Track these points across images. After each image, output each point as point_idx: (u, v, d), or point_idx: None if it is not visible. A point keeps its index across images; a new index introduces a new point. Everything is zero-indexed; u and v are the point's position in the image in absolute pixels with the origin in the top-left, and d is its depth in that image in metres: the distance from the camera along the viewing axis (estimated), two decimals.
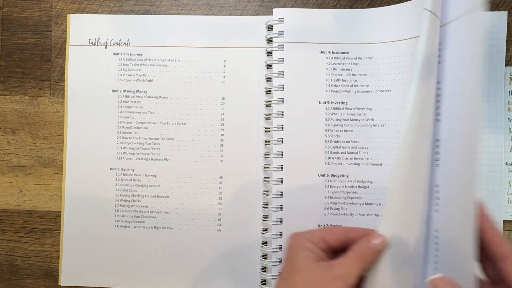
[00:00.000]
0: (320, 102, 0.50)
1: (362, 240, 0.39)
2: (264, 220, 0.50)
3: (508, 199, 0.50)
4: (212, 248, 0.51)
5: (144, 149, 0.52)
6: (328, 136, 0.50)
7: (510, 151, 0.50)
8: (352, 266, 0.38)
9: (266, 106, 0.51)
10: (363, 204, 0.50)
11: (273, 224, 0.50)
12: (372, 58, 0.50)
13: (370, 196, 0.50)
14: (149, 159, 0.52)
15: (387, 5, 0.51)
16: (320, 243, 0.41)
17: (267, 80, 0.51)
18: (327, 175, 0.50)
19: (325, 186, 0.50)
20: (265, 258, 0.50)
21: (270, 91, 0.51)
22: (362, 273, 0.39)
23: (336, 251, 0.41)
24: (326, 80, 0.51)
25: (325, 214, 0.50)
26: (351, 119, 0.50)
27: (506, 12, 0.50)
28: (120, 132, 0.52)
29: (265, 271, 0.50)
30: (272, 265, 0.49)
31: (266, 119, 0.51)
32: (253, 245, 0.51)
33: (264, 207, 0.50)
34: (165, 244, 0.52)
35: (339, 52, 0.51)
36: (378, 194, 0.50)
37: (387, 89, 0.50)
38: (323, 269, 0.38)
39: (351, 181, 0.50)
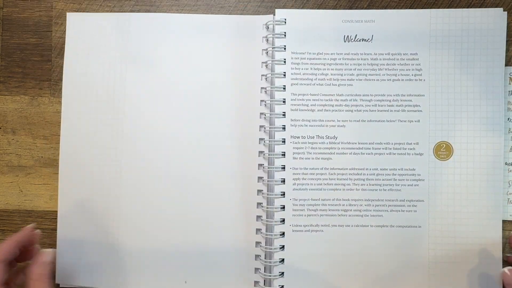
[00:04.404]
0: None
1: (33, 266, 0.45)
2: (260, 221, 0.51)
3: (508, 199, 0.50)
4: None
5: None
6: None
7: (510, 151, 0.50)
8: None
9: (265, 105, 0.51)
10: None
11: (274, 224, 0.50)
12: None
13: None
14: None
15: (386, 6, 0.52)
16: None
17: (266, 80, 0.51)
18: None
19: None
20: (260, 258, 0.50)
21: (267, 91, 0.51)
22: None
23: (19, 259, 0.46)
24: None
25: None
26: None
27: (506, 12, 0.50)
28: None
29: (260, 271, 0.50)
30: (274, 265, 0.50)
31: (265, 118, 0.51)
32: (251, 244, 0.51)
33: (262, 207, 0.51)
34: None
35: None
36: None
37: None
38: None
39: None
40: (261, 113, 0.51)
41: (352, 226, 0.50)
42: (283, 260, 0.50)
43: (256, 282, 0.50)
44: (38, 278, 0.45)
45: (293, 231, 0.50)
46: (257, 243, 0.51)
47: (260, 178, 0.51)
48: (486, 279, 0.49)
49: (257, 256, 0.50)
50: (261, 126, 0.51)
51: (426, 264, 0.50)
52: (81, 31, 0.53)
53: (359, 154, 0.50)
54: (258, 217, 0.51)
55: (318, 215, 0.50)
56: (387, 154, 0.50)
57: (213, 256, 0.51)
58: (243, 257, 0.51)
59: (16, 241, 0.45)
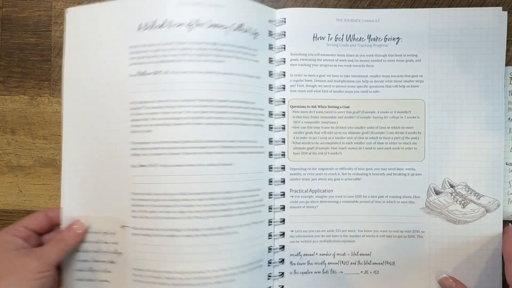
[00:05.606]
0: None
1: (65, 227, 0.47)
2: (270, 224, 0.50)
3: (508, 199, 0.50)
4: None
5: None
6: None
7: (510, 151, 0.50)
8: (52, 248, 0.45)
9: (271, 103, 0.51)
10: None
11: (275, 224, 0.50)
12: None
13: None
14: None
15: (386, 5, 0.52)
16: (20, 232, 0.46)
17: (271, 76, 0.51)
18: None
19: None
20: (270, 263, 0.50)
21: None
22: (64, 253, 0.46)
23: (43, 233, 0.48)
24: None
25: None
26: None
27: (506, 12, 0.50)
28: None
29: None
30: (275, 265, 0.50)
31: (270, 116, 0.51)
32: (264, 253, 0.50)
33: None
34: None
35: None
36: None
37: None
38: (22, 254, 0.44)
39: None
40: (269, 111, 0.51)
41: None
42: (283, 260, 0.50)
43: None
44: (60, 241, 0.46)
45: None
46: (269, 247, 0.50)
47: (270, 180, 0.51)
48: (486, 278, 0.49)
49: (272, 263, 0.50)
50: (270, 125, 0.51)
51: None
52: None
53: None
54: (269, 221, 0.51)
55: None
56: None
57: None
58: (259, 267, 0.50)
59: (46, 215, 0.48)
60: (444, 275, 0.49)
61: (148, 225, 0.46)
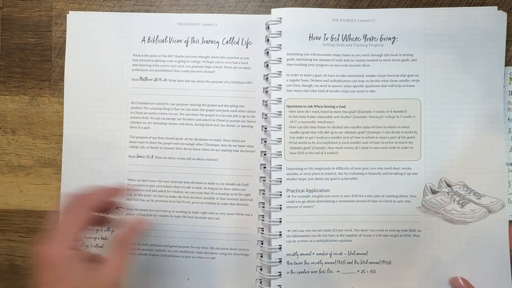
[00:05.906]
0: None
1: (129, 229, 0.44)
2: (262, 220, 0.51)
3: (508, 199, 0.50)
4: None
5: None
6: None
7: (510, 151, 0.50)
8: (118, 254, 0.41)
9: (266, 105, 0.51)
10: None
11: (273, 224, 0.50)
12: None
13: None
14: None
15: (386, 5, 0.51)
16: (78, 238, 0.40)
17: (266, 79, 0.51)
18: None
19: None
20: (262, 257, 0.50)
21: (268, 91, 0.51)
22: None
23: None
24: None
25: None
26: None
27: (505, 12, 0.50)
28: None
29: (262, 270, 0.50)
30: (273, 265, 0.50)
31: (265, 118, 0.51)
32: (251, 244, 0.51)
33: (262, 207, 0.51)
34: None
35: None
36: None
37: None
38: (92, 269, 0.39)
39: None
40: (263, 113, 0.51)
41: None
42: (280, 260, 0.50)
43: (257, 280, 0.51)
44: (123, 242, 0.42)
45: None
46: (259, 241, 0.51)
47: (262, 178, 0.51)
48: (489, 279, 0.49)
49: (258, 255, 0.51)
50: (263, 126, 0.51)
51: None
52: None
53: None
54: (260, 216, 0.51)
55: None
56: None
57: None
58: (244, 255, 0.51)
59: (107, 194, 0.45)
60: (456, 276, 0.49)
61: (142, 207, 0.52)
